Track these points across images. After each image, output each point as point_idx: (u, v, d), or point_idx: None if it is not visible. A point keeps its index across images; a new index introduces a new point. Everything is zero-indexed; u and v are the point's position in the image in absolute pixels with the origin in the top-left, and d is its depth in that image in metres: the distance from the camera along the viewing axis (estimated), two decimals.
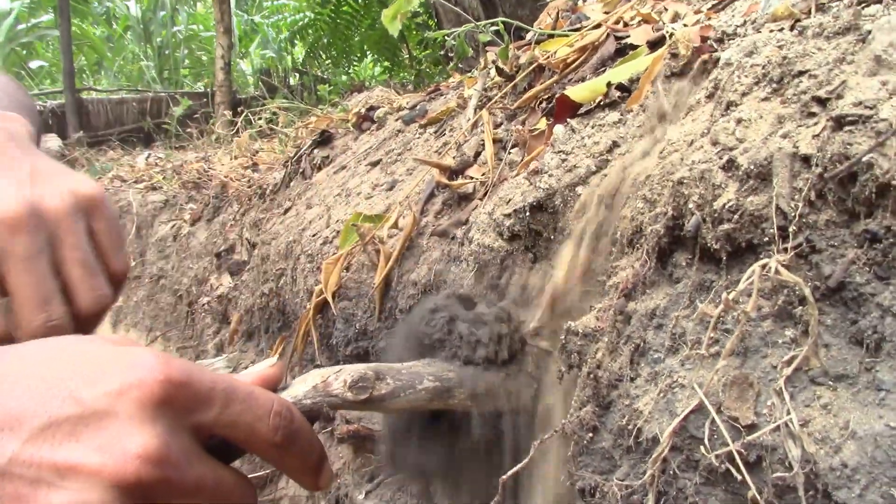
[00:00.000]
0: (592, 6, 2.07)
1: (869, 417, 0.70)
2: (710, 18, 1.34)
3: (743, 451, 0.75)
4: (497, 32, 2.03)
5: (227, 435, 0.58)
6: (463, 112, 2.04)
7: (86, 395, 0.51)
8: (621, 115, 1.24)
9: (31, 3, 11.20)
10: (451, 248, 1.46)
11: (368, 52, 7.64)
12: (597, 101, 1.34)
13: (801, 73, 0.84)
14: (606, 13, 1.87)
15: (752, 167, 0.79)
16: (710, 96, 1.00)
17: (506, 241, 1.25)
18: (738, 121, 0.85)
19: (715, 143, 0.86)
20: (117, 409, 0.51)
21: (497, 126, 1.71)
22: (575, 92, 1.37)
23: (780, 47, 0.89)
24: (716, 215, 0.82)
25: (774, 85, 0.86)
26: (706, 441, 0.78)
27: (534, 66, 1.76)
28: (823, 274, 0.74)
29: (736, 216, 0.80)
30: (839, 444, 0.71)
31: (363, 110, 2.99)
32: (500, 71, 1.89)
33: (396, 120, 2.65)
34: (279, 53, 9.22)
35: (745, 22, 1.14)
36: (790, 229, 0.76)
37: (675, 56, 1.17)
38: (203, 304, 3.00)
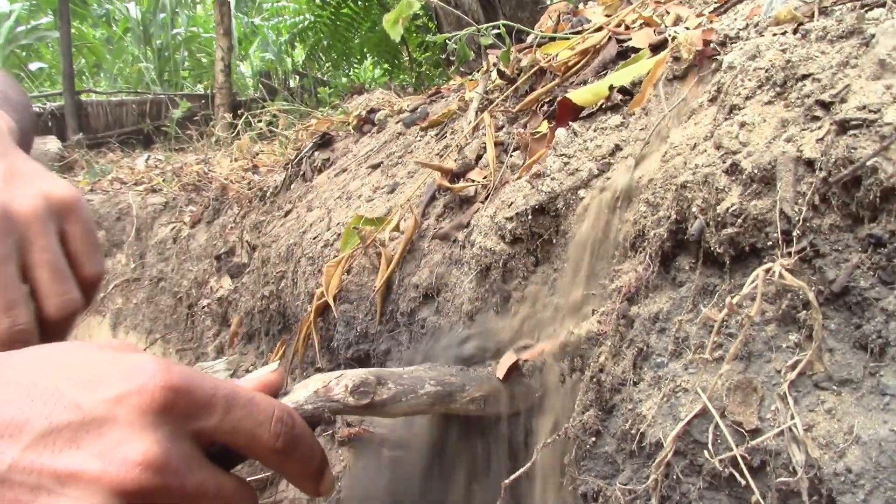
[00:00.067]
0: (593, 9, 2.07)
1: (873, 422, 0.70)
2: (712, 22, 1.34)
3: (747, 455, 0.75)
4: (498, 35, 2.03)
5: (229, 441, 0.58)
6: (464, 115, 2.04)
7: (86, 402, 0.51)
8: (623, 118, 1.24)
9: (30, 5, 11.21)
10: (452, 251, 1.46)
11: (368, 55, 7.64)
12: (599, 104, 1.34)
13: (804, 77, 0.83)
14: (608, 16, 1.87)
15: (755, 171, 0.79)
16: (712, 100, 1.00)
17: (508, 244, 1.24)
18: (742, 124, 0.85)
19: (718, 147, 0.86)
20: (118, 416, 0.51)
21: (498, 129, 1.71)
22: (577, 95, 1.37)
23: (784, 51, 0.89)
24: (719, 219, 0.82)
25: (778, 88, 0.86)
26: (710, 446, 0.78)
27: (535, 69, 1.76)
28: (827, 278, 0.74)
29: (739, 220, 0.80)
30: (843, 449, 0.70)
31: (364, 113, 2.98)
32: (501, 74, 1.89)
33: (397, 122, 2.65)
34: (279, 56, 9.22)
35: (747, 25, 1.14)
36: (794, 233, 0.75)
37: (677, 59, 1.17)
38: (203, 307, 2.99)
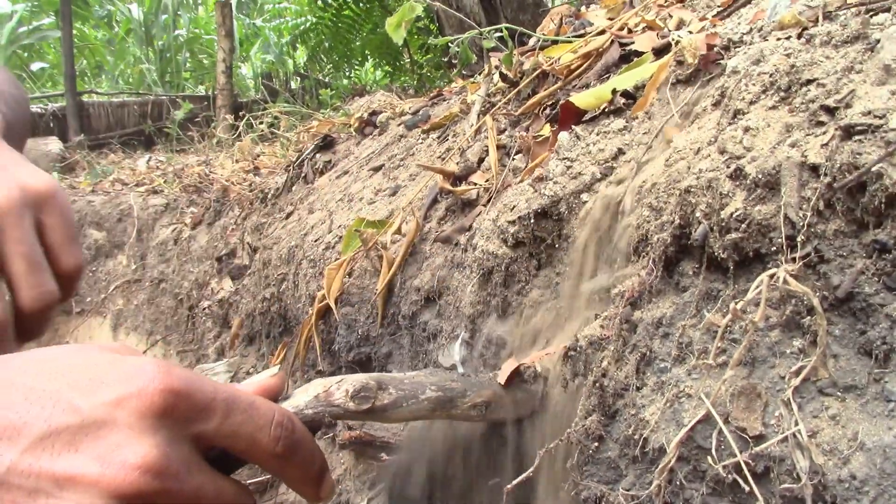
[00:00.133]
0: (596, 12, 2.08)
1: (878, 429, 0.70)
2: (715, 26, 1.33)
3: (750, 461, 0.75)
4: (500, 38, 2.03)
5: (228, 445, 0.58)
6: (466, 117, 2.04)
7: (85, 405, 0.50)
8: (626, 122, 1.24)
9: (32, 6, 11.22)
10: (454, 254, 1.46)
11: (370, 57, 7.65)
12: (601, 107, 1.34)
13: (809, 82, 0.83)
14: (610, 19, 1.87)
15: (759, 176, 0.79)
16: (716, 104, 0.99)
17: (510, 247, 1.24)
18: (746, 129, 0.85)
19: (722, 152, 0.86)
20: (117, 419, 0.50)
21: (501, 132, 1.70)
22: (580, 98, 1.37)
23: (788, 55, 0.89)
24: (723, 224, 0.81)
25: (782, 93, 0.86)
26: (713, 451, 0.77)
27: (537, 72, 1.76)
28: (832, 284, 0.74)
29: (743, 225, 0.80)
30: (848, 456, 0.70)
31: (365, 115, 2.98)
32: (503, 77, 1.89)
33: (399, 125, 2.65)
34: (280, 57, 9.23)
35: (751, 30, 1.14)
36: (798, 239, 0.75)
37: (680, 63, 1.17)
38: (204, 309, 2.99)
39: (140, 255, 3.98)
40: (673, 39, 1.32)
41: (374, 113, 2.99)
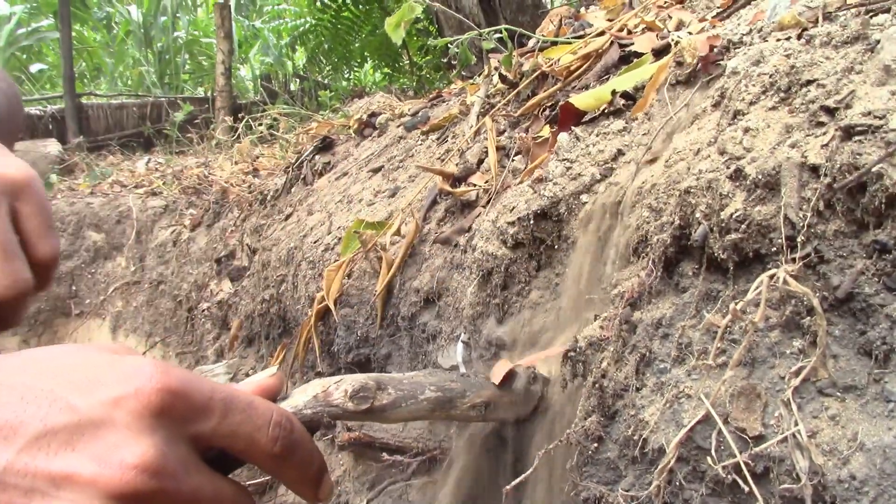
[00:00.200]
0: (595, 13, 2.08)
1: (878, 429, 0.70)
2: (715, 27, 1.33)
3: (750, 462, 0.75)
4: (500, 39, 2.03)
5: (226, 445, 0.58)
6: (465, 119, 2.04)
7: (82, 404, 0.50)
8: (626, 122, 1.24)
9: (31, 7, 11.22)
10: (453, 255, 1.46)
11: (369, 58, 7.64)
12: (601, 108, 1.34)
13: (809, 83, 0.83)
14: (610, 20, 1.88)
15: (759, 177, 0.79)
16: (716, 105, 0.99)
17: (509, 248, 1.24)
18: (746, 130, 0.85)
19: (722, 153, 0.86)
20: (114, 419, 0.50)
21: (500, 133, 1.71)
22: (579, 100, 1.37)
23: (788, 56, 0.89)
24: (723, 225, 0.81)
25: (782, 94, 0.86)
26: (713, 452, 0.77)
27: (537, 73, 1.76)
28: (832, 284, 0.74)
29: (743, 226, 0.79)
30: (847, 456, 0.70)
31: (364, 116, 2.98)
32: (503, 78, 1.89)
33: (398, 126, 2.65)
34: (279, 59, 9.22)
35: (751, 30, 1.14)
36: (798, 239, 0.75)
37: (680, 64, 1.17)
38: (203, 310, 2.99)
39: (139, 257, 3.98)
40: (672, 40, 1.32)
41: (373, 114, 2.99)
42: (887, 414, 0.69)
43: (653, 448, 0.85)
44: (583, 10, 2.27)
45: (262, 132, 4.55)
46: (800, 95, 0.83)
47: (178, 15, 11.49)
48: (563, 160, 1.22)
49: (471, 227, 1.43)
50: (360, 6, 6.79)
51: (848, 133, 0.73)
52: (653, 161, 1.05)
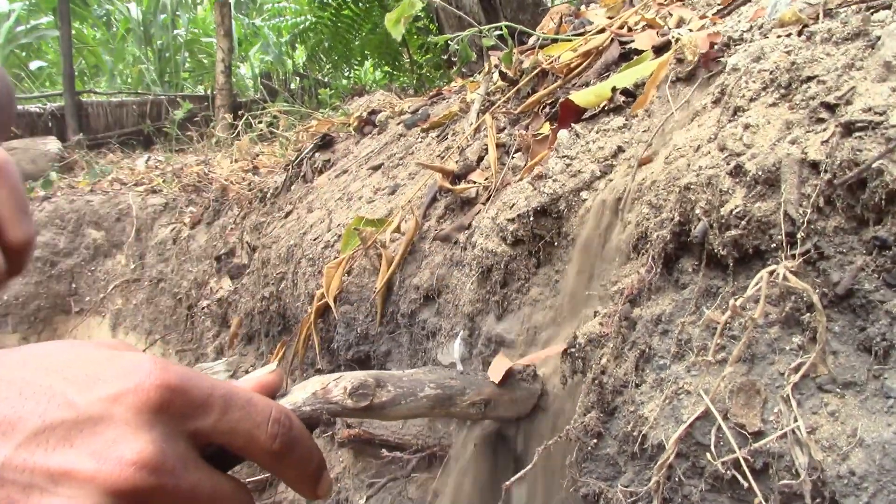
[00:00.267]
0: (595, 11, 2.07)
1: (877, 425, 0.70)
2: (715, 24, 1.33)
3: (749, 458, 0.75)
4: (500, 37, 2.03)
5: (225, 442, 0.57)
6: (465, 116, 2.04)
7: (80, 400, 0.50)
8: (626, 119, 1.24)
9: (30, 4, 11.21)
10: (453, 252, 1.46)
11: (369, 57, 7.64)
12: (601, 105, 1.34)
13: (809, 79, 0.83)
14: (610, 18, 1.87)
15: (759, 173, 0.79)
16: (716, 101, 0.99)
17: (509, 245, 1.24)
18: (746, 126, 0.85)
19: (722, 149, 0.86)
20: (113, 415, 0.50)
21: (500, 130, 1.70)
22: (579, 97, 1.37)
23: (788, 53, 0.89)
24: (723, 221, 0.81)
25: (782, 90, 0.86)
26: (712, 448, 0.77)
27: (537, 70, 1.76)
28: (832, 281, 0.74)
29: (743, 222, 0.79)
30: (847, 452, 0.70)
31: (364, 114, 2.98)
32: (503, 75, 1.89)
33: (398, 124, 2.65)
34: (279, 57, 9.22)
35: (751, 27, 1.14)
36: (798, 235, 0.75)
37: (680, 61, 1.17)
38: (203, 308, 2.99)
39: (139, 255, 3.98)
40: (673, 37, 1.32)
41: (373, 112, 2.99)
42: (887, 410, 0.70)
43: (652, 444, 0.85)
44: (583, 7, 2.27)
45: (262, 130, 4.55)
46: (800, 92, 0.83)
47: (177, 13, 11.49)
48: (563, 157, 1.22)
49: (471, 225, 1.43)
50: (361, 4, 6.79)
51: (848, 129, 0.73)
52: (653, 158, 1.05)
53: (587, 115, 1.36)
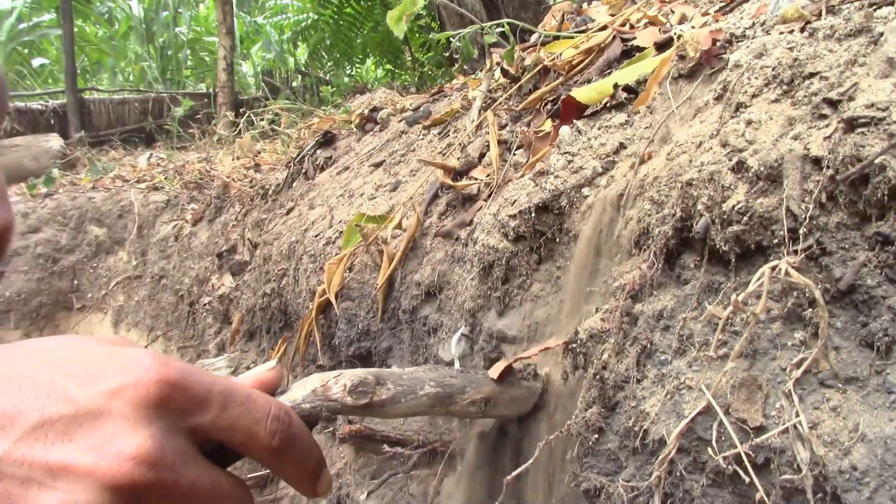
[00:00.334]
0: (597, 8, 2.07)
1: (879, 420, 0.70)
2: (717, 20, 1.33)
3: (751, 453, 0.75)
4: (502, 34, 2.03)
5: (224, 438, 0.57)
6: (467, 113, 2.04)
7: (80, 395, 0.50)
8: (628, 116, 1.24)
9: (32, 2, 11.20)
10: (455, 248, 1.46)
11: (371, 55, 7.64)
12: (603, 102, 1.34)
13: (811, 75, 0.83)
14: (612, 15, 1.87)
15: (762, 169, 0.79)
16: (718, 98, 0.99)
17: (511, 242, 1.24)
18: (748, 122, 0.85)
19: (724, 145, 0.86)
20: (112, 410, 0.50)
21: (502, 127, 1.70)
22: (581, 93, 1.37)
23: (791, 49, 0.89)
24: (725, 217, 0.81)
25: (785, 87, 0.86)
26: (714, 443, 0.77)
27: (539, 67, 1.76)
28: (834, 276, 0.74)
29: (745, 218, 0.79)
30: (848, 447, 0.70)
31: (366, 111, 2.98)
32: (505, 72, 1.89)
33: (400, 121, 2.65)
34: (281, 55, 9.21)
35: (753, 24, 1.14)
36: (800, 231, 0.75)
37: (682, 58, 1.17)
38: (204, 304, 2.99)
39: (141, 252, 3.98)
40: (675, 34, 1.32)
41: (374, 109, 2.99)
42: (889, 405, 0.70)
43: (653, 439, 0.85)
44: (585, 5, 2.27)
45: (263, 127, 4.55)
46: (802, 88, 0.83)
47: (179, 10, 11.48)
48: (565, 153, 1.22)
49: (472, 221, 1.43)
50: (362, 2, 6.79)
51: (851, 125, 0.73)
52: (654, 154, 1.05)
53: (589, 111, 1.36)
